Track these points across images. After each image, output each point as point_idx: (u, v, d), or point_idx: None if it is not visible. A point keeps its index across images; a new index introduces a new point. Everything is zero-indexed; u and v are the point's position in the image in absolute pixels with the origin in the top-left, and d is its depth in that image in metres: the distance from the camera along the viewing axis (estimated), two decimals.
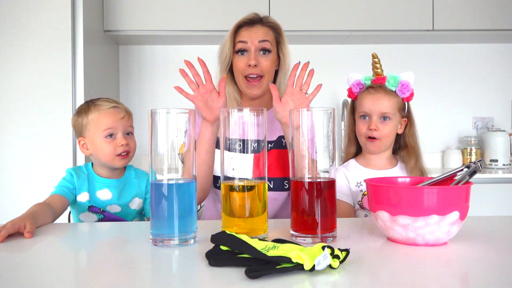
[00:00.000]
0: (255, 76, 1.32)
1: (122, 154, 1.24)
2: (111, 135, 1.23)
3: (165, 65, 2.77)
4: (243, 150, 0.84)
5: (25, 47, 2.00)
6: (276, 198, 1.35)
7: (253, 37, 1.32)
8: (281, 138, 1.38)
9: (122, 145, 1.23)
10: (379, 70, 1.31)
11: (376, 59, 1.31)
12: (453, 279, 0.65)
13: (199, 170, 1.26)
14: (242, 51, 1.33)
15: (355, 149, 1.38)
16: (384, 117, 1.27)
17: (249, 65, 1.30)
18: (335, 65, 2.77)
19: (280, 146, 1.37)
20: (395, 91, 1.29)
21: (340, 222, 0.97)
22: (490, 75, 2.83)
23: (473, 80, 2.82)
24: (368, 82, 1.33)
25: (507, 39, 2.71)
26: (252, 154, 0.84)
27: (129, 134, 1.27)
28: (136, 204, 1.29)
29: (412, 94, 1.30)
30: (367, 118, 1.29)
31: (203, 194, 1.33)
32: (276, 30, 1.37)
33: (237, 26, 1.35)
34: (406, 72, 1.30)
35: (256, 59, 1.30)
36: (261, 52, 1.32)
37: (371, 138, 1.28)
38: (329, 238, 0.83)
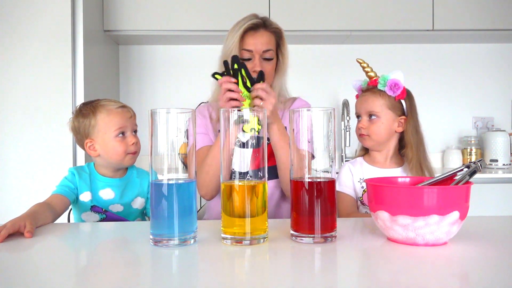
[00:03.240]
0: None
1: (132, 152, 1.26)
2: (122, 134, 1.24)
3: (165, 65, 2.76)
4: (243, 145, 0.84)
5: (25, 47, 1.99)
6: (275, 186, 1.41)
7: (258, 46, 1.38)
8: None
9: (133, 143, 1.25)
10: (371, 74, 1.36)
11: (364, 64, 1.37)
12: (453, 279, 0.65)
13: (217, 170, 1.30)
14: (248, 59, 1.39)
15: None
16: (371, 116, 1.34)
17: (254, 71, 1.35)
18: (335, 65, 2.77)
19: None
20: (384, 91, 1.33)
21: (340, 222, 0.97)
22: (490, 75, 2.82)
23: (473, 80, 2.82)
24: (366, 85, 1.38)
25: (507, 39, 2.71)
26: (251, 149, 0.85)
27: (135, 132, 1.29)
28: (138, 203, 1.29)
29: (403, 92, 1.33)
30: (360, 118, 1.39)
31: (216, 192, 1.37)
32: (278, 34, 1.43)
33: (242, 32, 1.38)
34: (395, 71, 1.33)
35: (260, 65, 1.37)
36: (264, 59, 1.39)
37: (363, 134, 1.37)
38: (329, 238, 0.83)
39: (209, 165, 1.31)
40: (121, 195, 1.27)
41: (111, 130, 1.23)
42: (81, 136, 1.26)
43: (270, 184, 1.38)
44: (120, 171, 1.30)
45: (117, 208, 1.26)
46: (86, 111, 1.25)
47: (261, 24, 1.40)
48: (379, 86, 1.33)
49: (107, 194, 1.26)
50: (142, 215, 1.33)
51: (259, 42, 1.38)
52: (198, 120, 1.44)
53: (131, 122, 1.27)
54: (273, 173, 1.37)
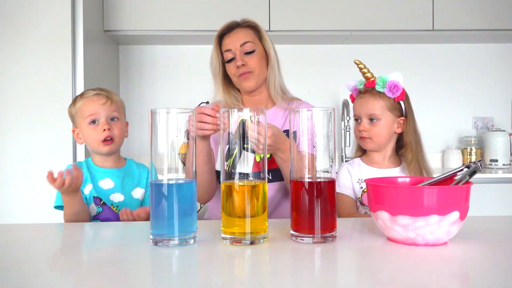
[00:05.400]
0: (245, 72, 1.41)
1: (107, 139, 1.26)
2: (94, 122, 1.27)
3: (165, 65, 2.76)
4: (244, 147, 0.84)
5: (25, 47, 1.99)
6: (278, 189, 1.40)
7: (235, 42, 1.41)
8: None
9: (104, 130, 1.26)
10: (368, 75, 1.35)
11: (361, 65, 1.36)
12: (453, 279, 0.65)
13: (201, 176, 1.33)
14: (230, 59, 1.42)
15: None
16: (372, 118, 1.33)
17: (238, 67, 1.40)
18: (335, 65, 2.77)
19: None
20: (384, 92, 1.32)
21: (340, 222, 0.97)
22: (490, 75, 2.82)
23: (473, 80, 2.82)
24: (362, 87, 1.37)
25: (507, 39, 2.71)
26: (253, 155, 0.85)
27: (114, 119, 1.29)
28: (138, 193, 1.32)
29: (403, 93, 1.32)
30: (359, 120, 1.37)
31: (208, 197, 1.41)
32: (255, 28, 1.44)
33: (218, 37, 1.44)
34: (393, 73, 1.32)
35: (242, 60, 1.39)
36: (245, 54, 1.41)
37: (363, 137, 1.35)
38: (329, 238, 0.83)
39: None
40: (121, 185, 1.29)
41: (84, 118, 1.27)
42: (72, 125, 1.32)
43: (271, 187, 1.37)
44: (117, 162, 1.33)
45: (118, 197, 1.28)
46: (73, 100, 1.32)
47: (235, 25, 1.44)
48: (378, 88, 1.31)
49: (106, 184, 1.28)
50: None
51: (235, 39, 1.41)
52: None
53: (104, 109, 1.27)
54: (274, 176, 1.37)
